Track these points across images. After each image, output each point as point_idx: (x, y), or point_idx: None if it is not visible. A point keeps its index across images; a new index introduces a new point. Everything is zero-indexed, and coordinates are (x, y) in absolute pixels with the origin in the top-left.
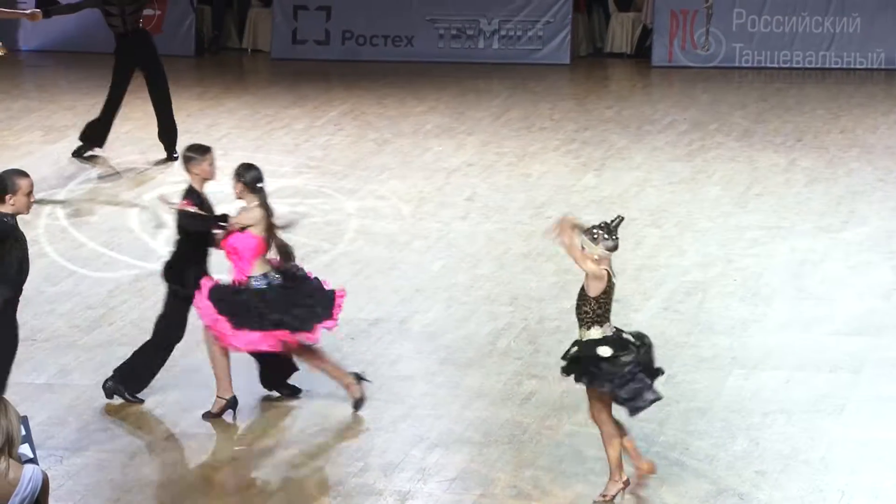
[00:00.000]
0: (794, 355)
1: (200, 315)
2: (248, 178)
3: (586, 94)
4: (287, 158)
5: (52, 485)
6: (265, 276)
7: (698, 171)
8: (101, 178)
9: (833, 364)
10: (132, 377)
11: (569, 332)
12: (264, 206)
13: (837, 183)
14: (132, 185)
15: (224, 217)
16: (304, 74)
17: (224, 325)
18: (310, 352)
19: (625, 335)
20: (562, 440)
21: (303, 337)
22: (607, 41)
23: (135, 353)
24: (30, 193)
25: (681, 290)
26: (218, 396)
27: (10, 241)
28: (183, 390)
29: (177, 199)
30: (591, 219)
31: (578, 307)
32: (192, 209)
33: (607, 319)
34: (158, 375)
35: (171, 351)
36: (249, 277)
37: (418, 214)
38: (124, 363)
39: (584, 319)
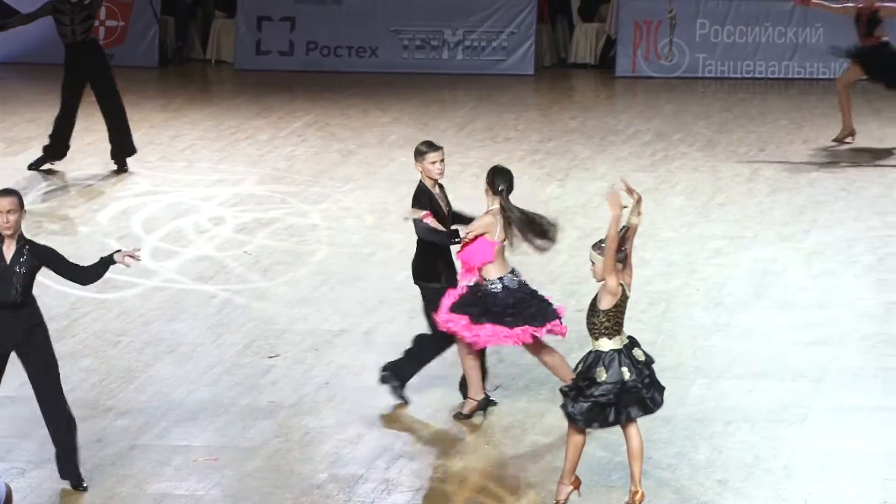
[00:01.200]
0: (757, 364)
1: (438, 322)
2: (496, 181)
3: (550, 105)
4: (251, 169)
5: (15, 497)
6: (500, 279)
7: (662, 181)
8: (57, 189)
9: (795, 373)
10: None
11: None
12: (502, 211)
13: (800, 193)
14: (90, 197)
15: (456, 233)
16: (268, 85)
17: (461, 321)
18: (543, 348)
19: (636, 350)
20: (526, 450)
21: (543, 332)
22: (571, 52)
23: (412, 346)
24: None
25: (644, 299)
26: (469, 398)
27: None
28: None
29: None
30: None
31: (588, 318)
32: (431, 222)
33: (618, 332)
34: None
35: (447, 345)
36: (486, 281)
37: (382, 225)
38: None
39: (594, 331)
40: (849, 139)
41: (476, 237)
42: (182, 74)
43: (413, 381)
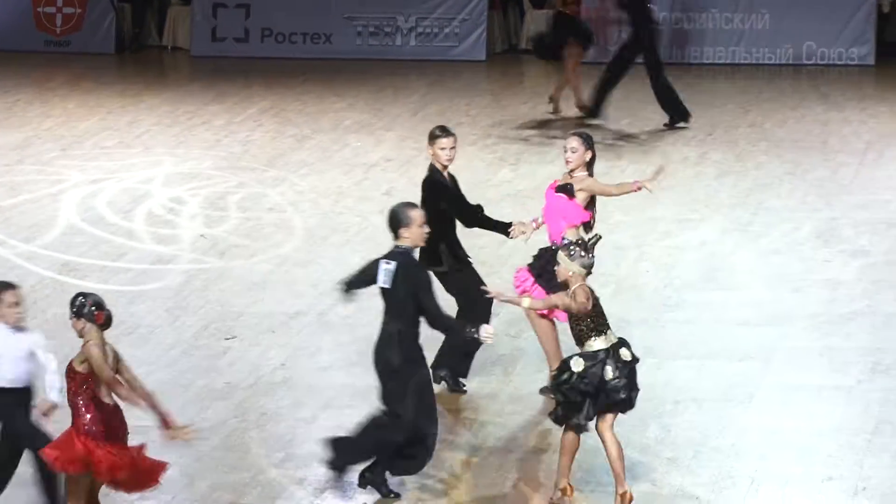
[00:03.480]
0: (705, 345)
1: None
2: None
3: (502, 90)
4: (207, 154)
5: None
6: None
7: (612, 165)
8: None
9: (743, 353)
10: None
11: None
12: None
13: (747, 176)
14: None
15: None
16: (224, 72)
17: (528, 282)
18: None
19: (623, 350)
20: (477, 430)
21: None
22: (522, 38)
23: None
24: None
25: (594, 281)
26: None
27: None
28: None
29: None
30: (507, 213)
31: (573, 327)
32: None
33: (603, 331)
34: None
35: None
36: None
37: (337, 209)
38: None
39: (581, 337)
40: None
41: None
42: (139, 61)
43: (363, 362)
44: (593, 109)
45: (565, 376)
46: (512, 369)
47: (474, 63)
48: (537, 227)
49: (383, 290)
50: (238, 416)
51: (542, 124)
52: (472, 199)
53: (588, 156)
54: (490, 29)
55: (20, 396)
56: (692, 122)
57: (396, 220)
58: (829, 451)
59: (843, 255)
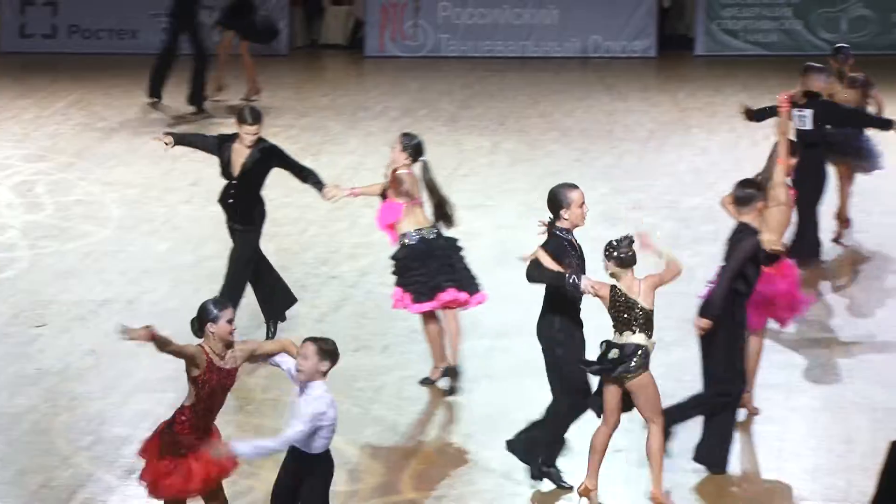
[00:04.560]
0: (500, 324)
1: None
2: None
3: (303, 84)
4: (16, 147)
5: None
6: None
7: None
8: None
9: (533, 332)
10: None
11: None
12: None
13: (538, 164)
14: None
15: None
16: (33, 67)
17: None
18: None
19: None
20: (285, 406)
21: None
22: (322, 33)
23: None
24: None
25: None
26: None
27: None
28: None
29: None
30: (310, 201)
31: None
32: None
33: (626, 329)
34: None
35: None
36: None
37: (145, 199)
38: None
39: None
40: None
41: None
42: None
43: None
44: (156, 91)
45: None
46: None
47: (277, 57)
48: (350, 195)
49: None
50: (49, 402)
51: (340, 115)
52: (277, 188)
53: (404, 156)
54: (292, 24)
55: None
56: (485, 113)
57: (557, 202)
58: (621, 424)
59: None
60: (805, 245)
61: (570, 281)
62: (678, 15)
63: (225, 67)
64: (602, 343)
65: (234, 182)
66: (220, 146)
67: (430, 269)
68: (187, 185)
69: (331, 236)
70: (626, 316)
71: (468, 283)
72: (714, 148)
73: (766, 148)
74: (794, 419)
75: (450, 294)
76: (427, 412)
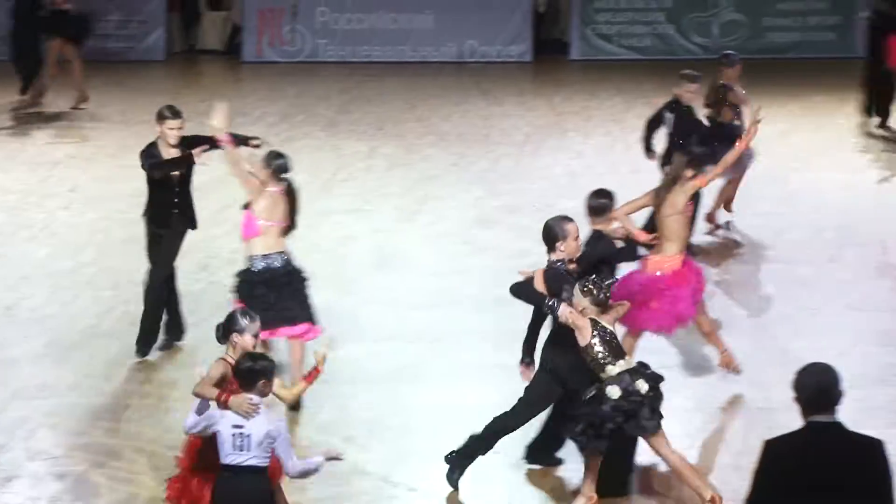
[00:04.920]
0: (378, 328)
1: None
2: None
3: (181, 89)
4: None
5: None
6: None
7: None
8: None
9: (413, 335)
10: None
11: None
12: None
13: (415, 168)
14: None
15: None
16: None
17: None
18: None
19: (639, 381)
20: (164, 413)
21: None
22: (200, 39)
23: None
24: None
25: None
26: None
27: None
28: None
29: None
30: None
31: (586, 359)
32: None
33: (619, 357)
34: None
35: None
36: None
37: (23, 205)
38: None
39: (595, 367)
40: None
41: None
42: None
43: (51, 353)
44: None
45: (605, 407)
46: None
47: (154, 63)
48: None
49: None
50: None
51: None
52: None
53: (266, 174)
54: (168, 30)
55: None
56: (363, 117)
57: (553, 234)
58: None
59: (505, 239)
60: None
61: (550, 304)
62: (553, 20)
63: (56, 75)
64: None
65: (176, 190)
66: (157, 162)
67: (267, 300)
68: (66, 191)
69: (210, 241)
70: (615, 343)
71: (302, 316)
72: (589, 151)
73: (639, 152)
74: (668, 420)
75: (281, 331)
76: (308, 416)
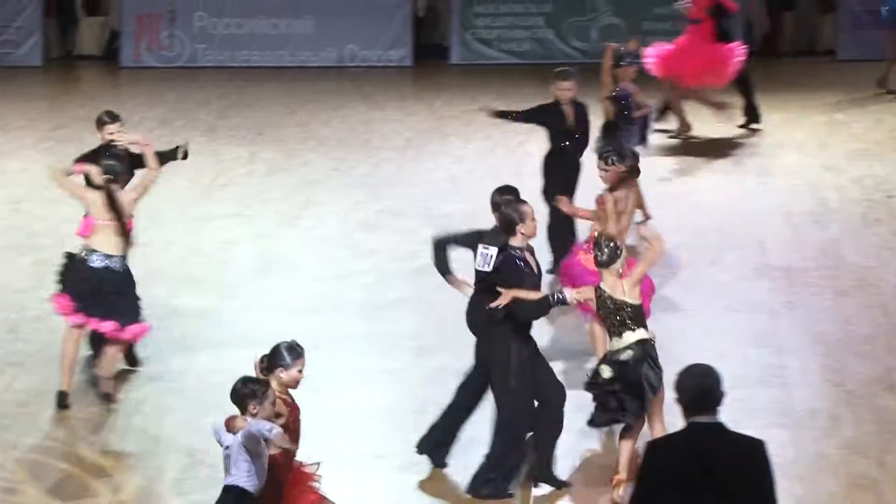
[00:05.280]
0: (260, 333)
1: None
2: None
3: (58, 95)
4: None
5: None
6: None
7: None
8: None
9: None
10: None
11: (48, 321)
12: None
13: (295, 173)
14: None
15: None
16: None
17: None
18: None
19: (618, 360)
20: (50, 427)
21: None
22: (77, 44)
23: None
24: None
25: (152, 281)
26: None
27: None
28: None
29: None
30: (67, 213)
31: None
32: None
33: (618, 334)
34: None
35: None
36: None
37: None
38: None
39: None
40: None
41: None
42: None
43: None
44: None
45: (600, 380)
46: None
47: (31, 69)
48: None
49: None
50: None
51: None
52: (33, 201)
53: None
54: (46, 35)
55: None
56: (243, 122)
57: (511, 220)
58: (380, 430)
59: (387, 243)
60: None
61: (557, 299)
62: (433, 24)
63: None
64: (606, 359)
65: None
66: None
67: (94, 297)
68: None
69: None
70: (618, 318)
71: (125, 316)
72: (470, 156)
73: (521, 155)
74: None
75: (94, 324)
76: (191, 420)
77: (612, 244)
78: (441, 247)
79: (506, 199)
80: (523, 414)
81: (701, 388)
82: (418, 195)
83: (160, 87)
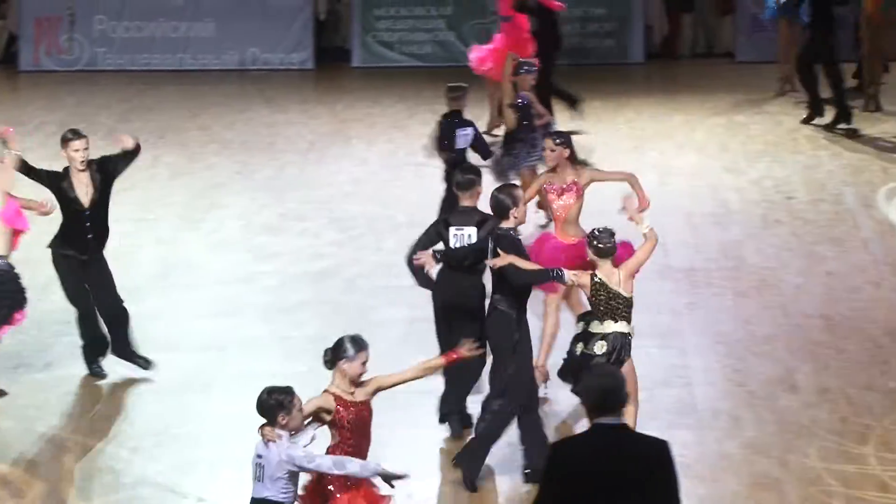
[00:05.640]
0: (163, 338)
1: None
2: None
3: None
4: None
5: None
6: None
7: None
8: None
9: (199, 345)
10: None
11: None
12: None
13: (199, 176)
14: None
15: None
16: None
17: None
18: None
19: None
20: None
21: None
22: None
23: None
24: None
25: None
26: None
27: None
28: None
29: None
30: None
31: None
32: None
33: (607, 317)
34: None
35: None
36: None
37: None
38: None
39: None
40: None
41: None
42: None
43: None
44: None
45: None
46: None
47: None
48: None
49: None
50: None
51: None
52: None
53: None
54: None
55: None
56: (144, 126)
57: (505, 204)
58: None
59: (290, 247)
60: None
61: (555, 275)
62: (334, 27)
63: None
64: (579, 334)
65: (86, 213)
66: (58, 185)
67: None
68: None
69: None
70: (607, 306)
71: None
72: (373, 158)
73: (423, 158)
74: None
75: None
76: (92, 428)
77: (611, 234)
78: (410, 262)
79: (466, 177)
80: (526, 385)
81: (604, 389)
82: (322, 198)
83: (60, 91)
